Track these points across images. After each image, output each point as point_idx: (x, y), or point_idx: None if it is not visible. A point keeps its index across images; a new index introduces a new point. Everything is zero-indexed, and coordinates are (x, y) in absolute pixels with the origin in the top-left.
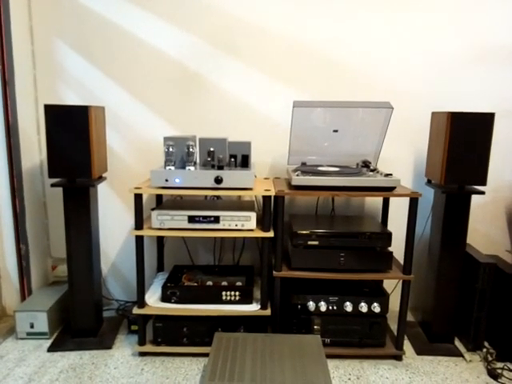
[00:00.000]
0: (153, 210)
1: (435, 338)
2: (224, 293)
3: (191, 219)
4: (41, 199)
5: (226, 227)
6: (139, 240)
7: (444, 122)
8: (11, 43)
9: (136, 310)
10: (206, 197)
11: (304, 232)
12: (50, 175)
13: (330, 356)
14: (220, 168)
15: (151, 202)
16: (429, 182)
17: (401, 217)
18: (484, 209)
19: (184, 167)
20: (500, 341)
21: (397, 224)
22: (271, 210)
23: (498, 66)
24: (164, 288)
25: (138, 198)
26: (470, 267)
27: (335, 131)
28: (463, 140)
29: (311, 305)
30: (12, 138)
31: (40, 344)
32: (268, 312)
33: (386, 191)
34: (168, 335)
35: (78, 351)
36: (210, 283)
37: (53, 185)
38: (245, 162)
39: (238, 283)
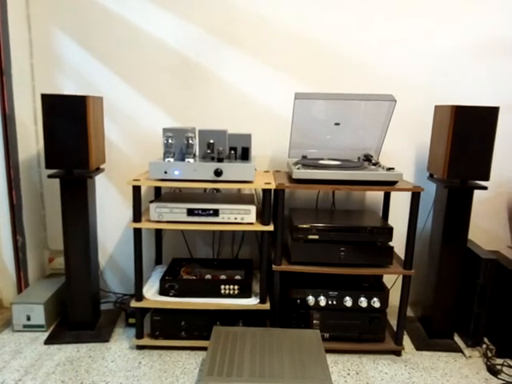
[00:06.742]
0: (151, 202)
1: (435, 334)
2: (223, 286)
3: (190, 212)
4: (38, 190)
5: (226, 220)
6: (137, 232)
7: (447, 115)
8: (8, 32)
9: (134, 303)
10: (205, 189)
11: (304, 226)
12: (47, 166)
13: (329, 351)
14: (220, 160)
15: (150, 194)
16: (431, 176)
17: (402, 211)
18: (486, 204)
19: (183, 159)
20: (500, 337)
21: (398, 218)
22: (271, 204)
23: (502, 60)
24: (162, 281)
25: (137, 190)
26: (470, 263)
27: (337, 124)
28: (466, 134)
29: (311, 299)
30: (9, 128)
31: (37, 336)
32: (267, 306)
33: (388, 185)
34: (166, 329)
35: (74, 344)
36: (208, 277)
37: (50, 176)
38: (245, 155)
39: (237, 277)
